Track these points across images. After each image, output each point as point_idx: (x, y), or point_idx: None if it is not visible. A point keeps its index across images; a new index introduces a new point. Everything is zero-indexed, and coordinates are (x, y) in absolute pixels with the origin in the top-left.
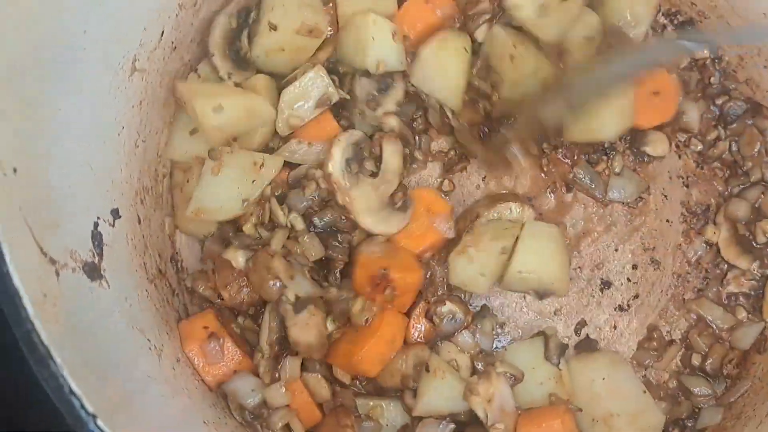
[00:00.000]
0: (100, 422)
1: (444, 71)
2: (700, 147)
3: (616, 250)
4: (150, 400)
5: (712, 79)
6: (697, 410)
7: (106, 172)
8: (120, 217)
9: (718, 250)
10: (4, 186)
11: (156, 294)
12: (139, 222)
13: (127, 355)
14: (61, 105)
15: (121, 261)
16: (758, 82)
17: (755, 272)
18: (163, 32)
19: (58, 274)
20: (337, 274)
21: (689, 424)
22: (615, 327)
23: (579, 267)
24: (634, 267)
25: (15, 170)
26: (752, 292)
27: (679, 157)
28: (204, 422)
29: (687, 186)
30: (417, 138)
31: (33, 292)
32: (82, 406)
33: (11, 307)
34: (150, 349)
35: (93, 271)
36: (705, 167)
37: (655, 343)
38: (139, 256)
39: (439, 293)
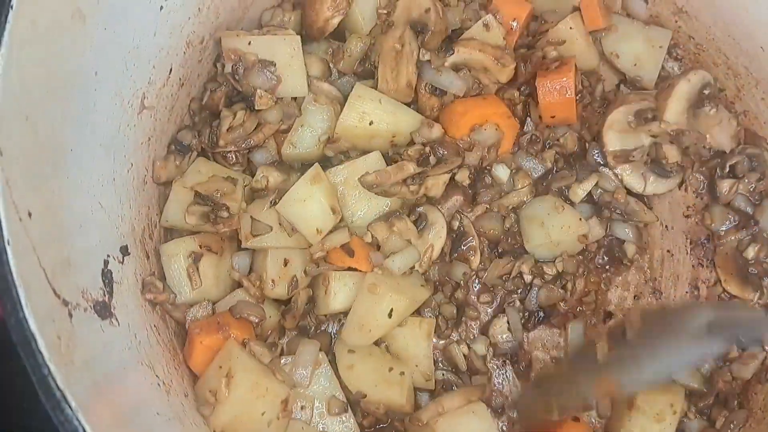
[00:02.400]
0: None
1: None
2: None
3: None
4: None
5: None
6: None
7: (115, 209)
8: (129, 254)
9: (720, 281)
10: (20, 230)
11: (164, 328)
12: (147, 257)
13: (138, 393)
14: (73, 145)
15: (129, 298)
16: (756, 114)
17: (756, 302)
18: (171, 69)
19: (71, 315)
20: None
21: None
22: None
23: None
24: (636, 298)
25: (30, 214)
26: None
27: (680, 188)
28: None
29: (688, 217)
30: None
31: (48, 335)
32: None
33: (28, 352)
34: (159, 385)
35: (104, 310)
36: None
37: None
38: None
39: None
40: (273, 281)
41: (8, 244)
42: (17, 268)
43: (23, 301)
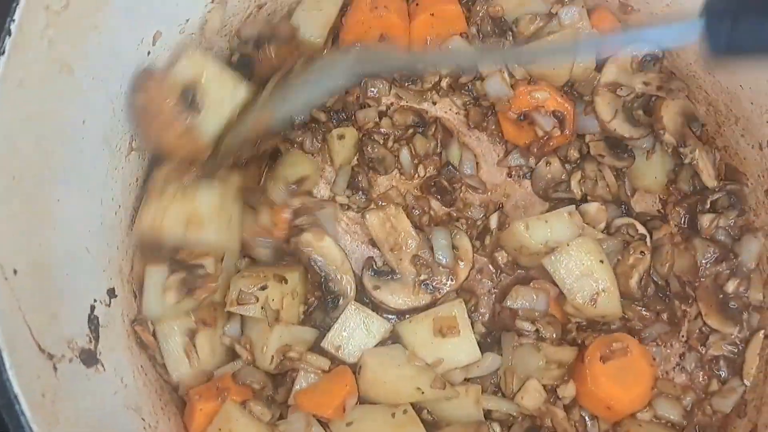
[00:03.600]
0: None
1: None
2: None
3: None
4: None
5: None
6: None
7: (103, 252)
8: (116, 295)
9: (701, 314)
10: (5, 289)
11: (150, 367)
12: (135, 297)
13: None
14: (60, 196)
15: (116, 340)
16: (736, 150)
17: (736, 336)
18: None
19: (55, 368)
20: None
21: None
22: None
23: None
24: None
25: (15, 271)
26: (733, 356)
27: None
28: None
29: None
30: None
31: (32, 394)
32: None
33: (11, 415)
34: (144, 429)
35: (90, 358)
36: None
37: None
38: (134, 332)
39: None
40: (263, 348)
41: None
42: (2, 329)
43: (7, 363)
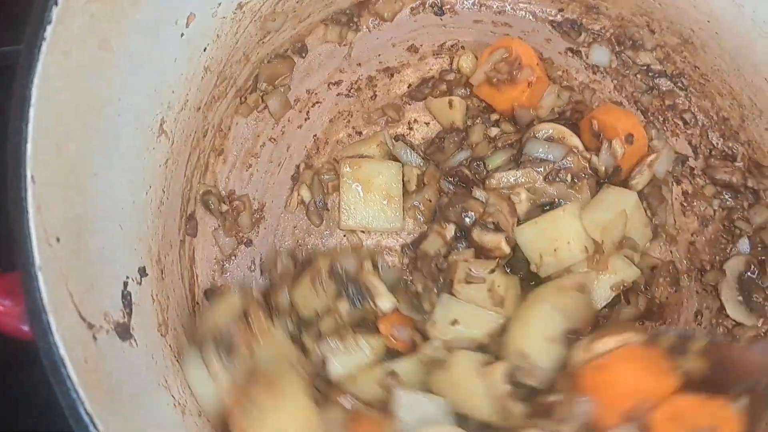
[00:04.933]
0: None
1: None
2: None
3: None
4: None
5: None
6: None
7: (134, 231)
8: (147, 274)
9: (723, 308)
10: (49, 255)
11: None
12: (163, 278)
13: (156, 415)
14: (98, 170)
15: (147, 318)
16: (759, 144)
17: (761, 328)
18: (189, 93)
19: (95, 338)
20: None
21: None
22: None
23: None
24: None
25: (58, 239)
26: None
27: (684, 214)
28: None
29: (693, 244)
30: None
31: (76, 360)
32: None
33: (57, 378)
34: (175, 406)
35: (125, 332)
36: (710, 227)
37: None
38: (163, 312)
39: None
40: None
41: (39, 270)
42: (47, 294)
43: (53, 326)
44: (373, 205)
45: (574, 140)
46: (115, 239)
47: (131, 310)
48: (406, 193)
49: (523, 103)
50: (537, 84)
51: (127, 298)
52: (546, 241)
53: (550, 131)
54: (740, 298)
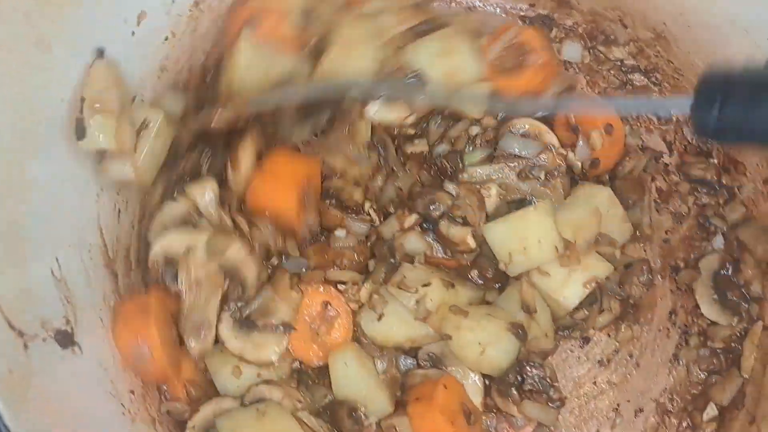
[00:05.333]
0: None
1: None
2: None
3: None
4: None
5: None
6: None
7: (77, 230)
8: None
9: (698, 307)
10: None
11: None
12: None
13: (102, 424)
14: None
15: (93, 322)
16: None
17: (735, 328)
18: (143, 94)
19: (26, 346)
20: None
21: None
22: (595, 382)
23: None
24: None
25: None
26: (732, 347)
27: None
28: None
29: (667, 242)
30: None
31: None
32: None
33: None
34: (123, 414)
35: (65, 339)
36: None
37: None
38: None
39: None
40: None
41: None
42: None
43: None
44: None
45: (550, 137)
46: (52, 237)
47: (76, 315)
48: None
49: (536, 88)
50: (546, 68)
51: (70, 302)
52: (516, 240)
53: (526, 126)
54: (715, 296)
